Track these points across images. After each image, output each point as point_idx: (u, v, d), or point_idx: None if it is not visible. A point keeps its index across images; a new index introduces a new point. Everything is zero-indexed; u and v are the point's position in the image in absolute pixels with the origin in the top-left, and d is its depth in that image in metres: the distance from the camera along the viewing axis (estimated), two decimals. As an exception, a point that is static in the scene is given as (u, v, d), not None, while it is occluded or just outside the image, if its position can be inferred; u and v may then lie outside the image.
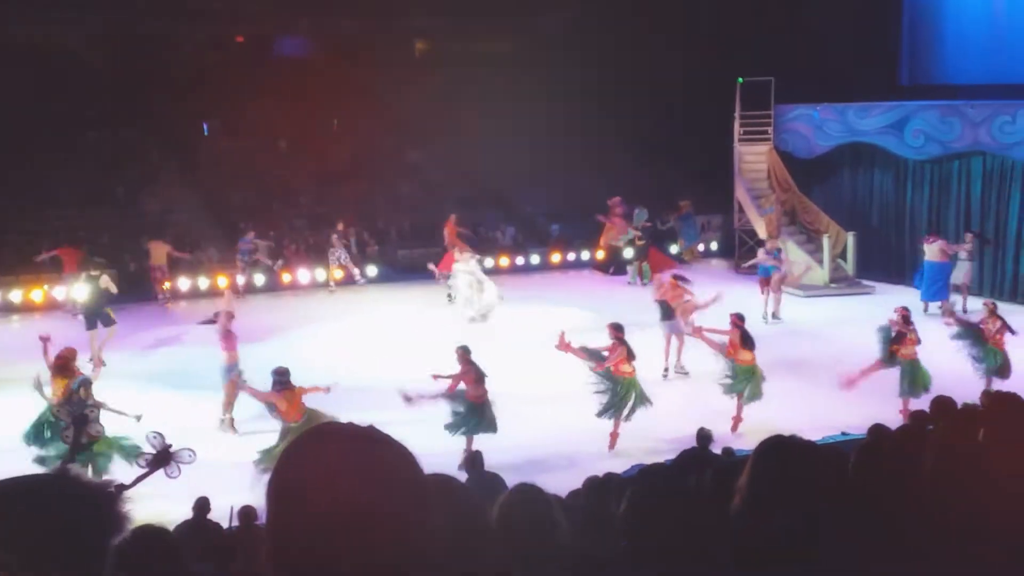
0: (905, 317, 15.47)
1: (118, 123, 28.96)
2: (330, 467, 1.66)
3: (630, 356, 14.56)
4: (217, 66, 30.82)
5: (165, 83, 29.41)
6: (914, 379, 15.11)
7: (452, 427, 13.87)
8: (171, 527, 8.00)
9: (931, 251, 22.37)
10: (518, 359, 17.94)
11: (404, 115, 30.40)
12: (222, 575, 7.83)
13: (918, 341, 15.31)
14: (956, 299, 22.12)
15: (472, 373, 13.87)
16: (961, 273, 22.48)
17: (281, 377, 13.30)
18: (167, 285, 24.77)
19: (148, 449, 10.14)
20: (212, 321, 15.73)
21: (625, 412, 14.46)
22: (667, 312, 17.87)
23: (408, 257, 28.06)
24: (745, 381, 15.13)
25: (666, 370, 17.68)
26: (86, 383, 12.78)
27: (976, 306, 21.41)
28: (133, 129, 29.09)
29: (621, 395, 14.47)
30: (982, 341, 15.79)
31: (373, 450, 1.70)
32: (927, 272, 22.39)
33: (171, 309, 24.25)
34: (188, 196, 28.31)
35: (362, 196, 29.33)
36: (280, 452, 1.75)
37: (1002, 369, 15.61)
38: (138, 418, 12.77)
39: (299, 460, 1.71)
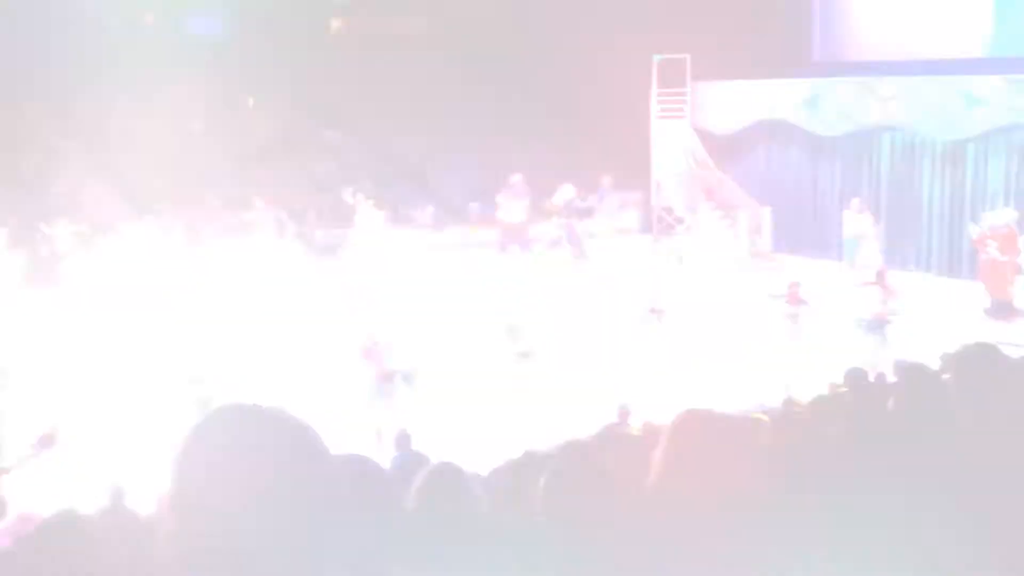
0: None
1: (21, 102, 28.11)
2: (234, 446, 1.63)
3: None
4: (127, 44, 30.13)
5: (73, 61, 28.65)
6: None
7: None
8: (85, 514, 7.85)
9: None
10: (442, 336, 17.92)
11: (320, 93, 30.02)
12: (140, 561, 7.70)
13: None
14: None
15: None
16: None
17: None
18: None
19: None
20: None
21: None
22: None
23: (326, 238, 27.77)
24: None
25: None
26: None
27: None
28: (38, 109, 28.27)
29: None
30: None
31: (278, 430, 1.67)
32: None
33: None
34: (98, 177, 27.65)
35: (279, 177, 28.91)
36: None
37: None
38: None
39: (203, 439, 1.67)
